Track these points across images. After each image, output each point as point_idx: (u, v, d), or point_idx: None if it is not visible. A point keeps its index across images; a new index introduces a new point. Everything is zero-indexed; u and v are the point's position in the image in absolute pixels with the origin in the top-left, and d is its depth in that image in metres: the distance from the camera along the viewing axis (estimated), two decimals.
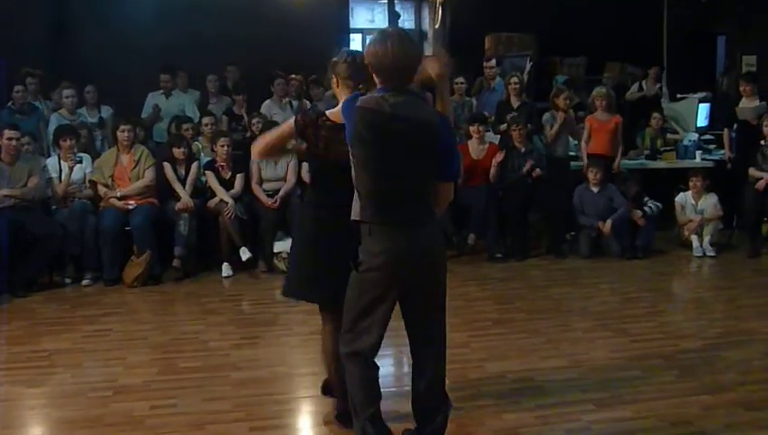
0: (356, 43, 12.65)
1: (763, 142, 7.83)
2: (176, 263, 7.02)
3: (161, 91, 8.78)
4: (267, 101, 8.62)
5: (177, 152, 7.28)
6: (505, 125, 8.06)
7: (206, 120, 7.96)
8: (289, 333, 5.58)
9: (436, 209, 3.31)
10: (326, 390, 4.20)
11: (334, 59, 3.70)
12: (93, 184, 7.18)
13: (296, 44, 9.59)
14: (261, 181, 7.44)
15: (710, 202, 7.80)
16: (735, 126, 8.45)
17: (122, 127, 7.14)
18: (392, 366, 4.83)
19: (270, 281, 7.03)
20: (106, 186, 7.10)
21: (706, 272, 7.45)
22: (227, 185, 7.32)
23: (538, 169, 7.69)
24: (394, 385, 4.45)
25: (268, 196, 7.34)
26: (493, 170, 7.67)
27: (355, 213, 3.24)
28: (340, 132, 3.28)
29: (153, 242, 6.90)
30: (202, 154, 7.73)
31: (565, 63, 11.58)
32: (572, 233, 7.85)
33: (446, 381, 3.48)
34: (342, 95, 3.60)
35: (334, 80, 3.68)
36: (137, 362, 4.98)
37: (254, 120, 7.99)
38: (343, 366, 3.48)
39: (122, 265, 6.84)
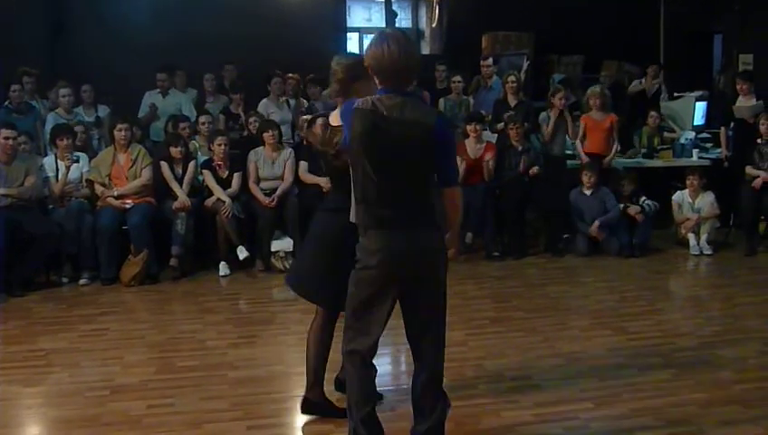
0: (353, 41, 12.67)
1: (759, 141, 7.84)
2: (173, 262, 7.01)
3: (158, 90, 8.77)
4: (264, 100, 8.61)
5: (175, 151, 7.27)
6: (502, 124, 8.07)
7: (202, 118, 7.95)
8: (286, 332, 5.58)
9: (453, 216, 3.33)
10: (339, 385, 4.19)
11: (334, 62, 3.72)
12: (90, 183, 7.17)
13: (293, 43, 9.60)
14: (258, 180, 7.44)
15: (707, 200, 7.80)
16: (732, 124, 8.46)
17: (119, 126, 7.13)
18: (390, 365, 4.83)
19: (267, 280, 7.03)
20: (103, 185, 7.10)
21: (703, 270, 7.46)
22: (224, 184, 7.31)
23: (535, 168, 7.70)
24: (391, 384, 4.46)
25: (265, 195, 7.33)
26: (487, 166, 7.68)
27: (352, 216, 3.26)
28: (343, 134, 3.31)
29: (150, 241, 6.90)
30: (199, 153, 7.72)
31: (562, 62, 11.59)
32: (567, 236, 7.83)
33: (444, 380, 3.48)
34: (340, 98, 3.64)
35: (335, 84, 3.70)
36: (134, 362, 4.98)
37: (251, 119, 8.00)
38: (320, 352, 3.85)
39: (119, 265, 6.84)
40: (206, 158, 7.54)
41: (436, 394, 3.41)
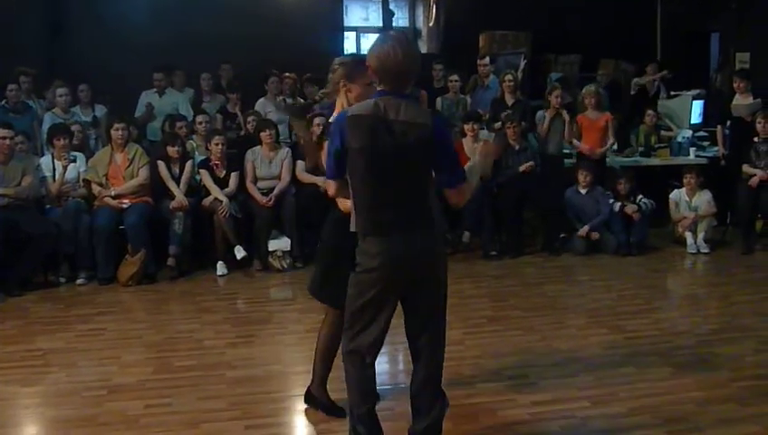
0: (350, 41, 12.65)
1: (756, 139, 7.85)
2: (170, 262, 7.01)
3: (155, 89, 8.77)
4: (261, 100, 8.61)
5: (172, 151, 7.27)
6: (500, 123, 8.07)
7: (199, 118, 7.95)
8: (284, 332, 5.58)
9: (457, 202, 3.33)
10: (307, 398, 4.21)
11: (336, 61, 3.72)
12: (87, 183, 7.17)
13: (290, 43, 9.60)
14: (255, 180, 7.44)
15: (704, 199, 7.81)
16: (729, 123, 8.47)
17: (116, 125, 7.12)
18: (388, 364, 4.84)
19: (265, 279, 7.03)
20: (100, 185, 7.09)
21: (700, 269, 7.47)
22: (222, 183, 7.31)
23: (532, 163, 7.72)
24: (389, 383, 4.46)
25: (262, 194, 7.34)
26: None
27: (352, 224, 3.27)
28: None
29: (147, 241, 6.89)
30: (196, 153, 7.72)
31: (559, 61, 11.59)
32: (564, 235, 7.84)
33: (442, 379, 3.48)
34: (339, 100, 3.65)
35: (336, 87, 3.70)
36: (131, 361, 4.98)
37: (250, 118, 8.00)
38: (327, 349, 3.91)
39: (117, 264, 6.83)
40: (203, 157, 7.54)
41: (434, 393, 3.42)
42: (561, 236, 7.84)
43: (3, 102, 7.76)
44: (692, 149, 9.11)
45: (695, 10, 11.34)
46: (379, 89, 3.21)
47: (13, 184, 6.72)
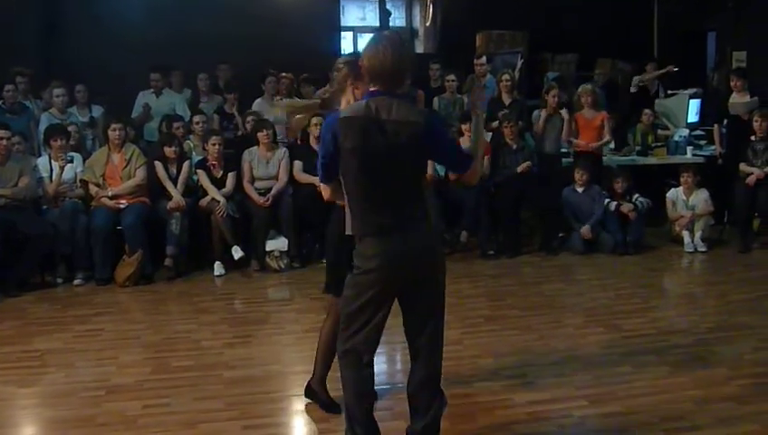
0: (347, 41, 12.66)
1: (753, 138, 7.86)
2: (168, 262, 7.01)
3: (152, 90, 8.76)
4: (258, 100, 8.61)
5: (169, 151, 7.26)
6: (497, 122, 8.07)
7: (197, 118, 7.94)
8: (281, 332, 5.58)
9: (472, 181, 3.35)
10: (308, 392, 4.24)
11: (340, 60, 3.73)
12: (84, 183, 7.16)
13: (288, 42, 9.59)
14: (252, 180, 7.44)
15: (701, 198, 7.82)
16: (726, 121, 8.48)
17: (113, 126, 7.11)
18: (386, 364, 4.85)
19: (262, 280, 7.03)
20: (97, 185, 7.08)
21: (698, 267, 7.48)
22: (219, 184, 7.31)
23: (529, 163, 7.72)
24: (387, 382, 4.46)
25: (260, 194, 7.33)
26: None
27: (348, 228, 3.28)
28: None
29: (145, 241, 6.89)
30: (193, 153, 7.71)
31: (556, 60, 11.60)
32: (562, 235, 7.85)
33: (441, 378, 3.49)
34: (345, 98, 3.65)
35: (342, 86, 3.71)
36: (129, 362, 4.97)
37: (249, 118, 7.99)
38: (327, 340, 3.95)
39: (114, 265, 6.83)
40: (200, 157, 7.53)
41: (433, 392, 3.42)
42: (560, 235, 7.84)
43: None
44: (689, 148, 9.12)
45: (692, 9, 11.35)
46: (371, 89, 3.21)
47: (10, 185, 6.72)
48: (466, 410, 4.09)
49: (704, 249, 7.66)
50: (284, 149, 7.64)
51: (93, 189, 7.09)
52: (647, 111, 9.41)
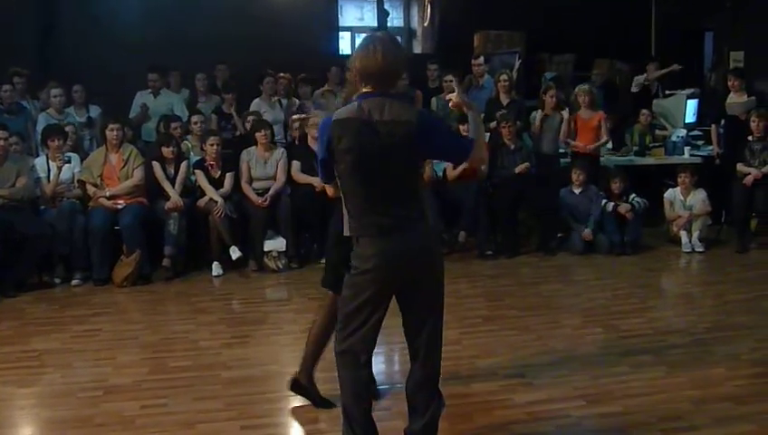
0: (345, 41, 12.66)
1: (750, 138, 7.87)
2: (165, 262, 7.00)
3: (149, 90, 8.75)
4: (256, 100, 8.61)
5: (167, 151, 7.26)
6: (495, 123, 8.08)
7: (195, 118, 7.94)
8: (279, 332, 5.58)
9: (482, 162, 3.34)
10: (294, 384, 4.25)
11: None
12: (82, 184, 7.15)
13: (286, 43, 9.60)
14: (251, 180, 7.44)
15: (698, 198, 7.83)
16: (723, 122, 8.49)
17: (111, 126, 7.11)
18: (384, 364, 4.85)
19: (260, 280, 7.03)
20: (95, 185, 7.08)
21: (695, 267, 7.48)
22: (217, 184, 7.31)
23: (524, 165, 7.72)
24: (386, 382, 4.46)
25: (258, 195, 7.33)
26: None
27: (345, 229, 3.27)
28: None
29: (143, 241, 6.88)
30: (191, 153, 7.71)
31: (554, 61, 11.61)
32: (560, 235, 7.85)
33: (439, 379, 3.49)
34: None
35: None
36: (127, 362, 4.97)
37: (250, 118, 7.99)
38: (318, 333, 4.02)
39: (112, 265, 6.82)
40: (198, 158, 7.53)
41: (431, 393, 3.42)
42: (558, 236, 7.85)
43: None
44: (686, 149, 9.13)
45: (689, 9, 11.36)
46: (364, 90, 3.21)
47: (7, 185, 6.71)
48: (465, 410, 4.09)
49: (701, 249, 7.67)
50: (282, 149, 7.64)
51: (91, 190, 7.08)
52: (644, 111, 9.42)
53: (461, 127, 7.73)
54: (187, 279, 7.04)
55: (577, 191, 7.76)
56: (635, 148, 9.22)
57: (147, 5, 9.92)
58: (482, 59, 9.35)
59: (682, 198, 7.89)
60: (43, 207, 7.06)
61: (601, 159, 8.42)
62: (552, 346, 5.12)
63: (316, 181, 7.16)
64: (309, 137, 7.46)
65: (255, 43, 9.69)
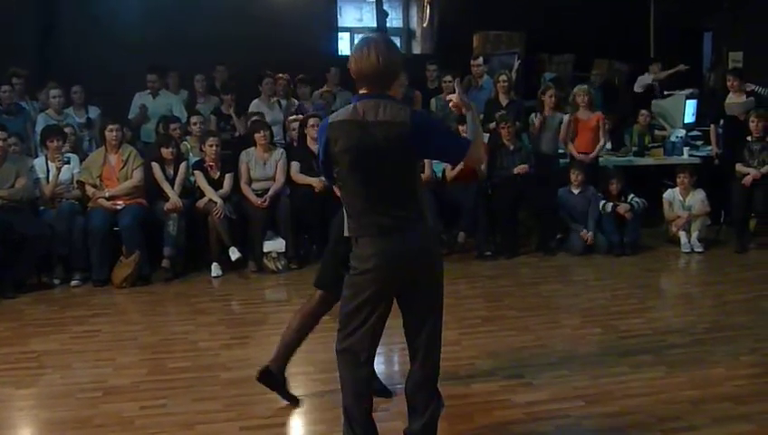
0: (344, 41, 12.66)
1: (749, 138, 7.87)
2: (165, 263, 7.00)
3: (148, 91, 8.75)
4: (255, 101, 8.61)
5: (166, 152, 7.26)
6: (494, 123, 8.08)
7: (194, 119, 7.94)
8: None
9: (479, 161, 3.35)
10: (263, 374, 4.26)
11: None
12: (81, 184, 7.15)
13: (285, 43, 9.61)
14: (250, 181, 7.43)
15: (698, 198, 7.83)
16: (722, 122, 8.49)
17: (110, 127, 7.11)
18: (383, 364, 4.84)
19: (260, 281, 7.03)
20: (94, 186, 7.08)
21: (694, 268, 7.48)
22: (216, 185, 7.30)
23: (524, 166, 7.73)
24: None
25: (257, 195, 7.33)
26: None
27: (345, 230, 3.28)
28: None
29: (142, 242, 6.88)
30: (190, 154, 7.71)
31: (553, 61, 11.61)
32: (559, 236, 7.85)
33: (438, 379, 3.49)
34: None
35: None
36: (126, 363, 4.97)
37: (253, 118, 7.98)
38: (298, 326, 4.15)
39: (111, 266, 6.82)
40: (197, 159, 7.53)
41: (430, 393, 3.42)
42: (558, 236, 7.85)
43: None
44: (685, 149, 9.13)
45: (688, 9, 11.37)
46: (360, 92, 3.21)
47: (6, 186, 6.71)
48: (464, 411, 4.09)
49: (700, 250, 7.67)
50: (281, 150, 7.64)
51: (90, 190, 7.08)
52: (643, 111, 9.43)
53: (460, 127, 7.74)
54: (187, 280, 7.03)
55: (575, 192, 7.77)
56: (634, 148, 9.23)
57: (147, 6, 9.92)
58: (481, 59, 9.36)
59: (681, 198, 7.90)
60: (42, 207, 7.06)
61: (600, 159, 8.42)
62: (551, 347, 5.12)
63: (315, 182, 7.18)
64: (308, 138, 7.46)
65: (255, 43, 9.70)
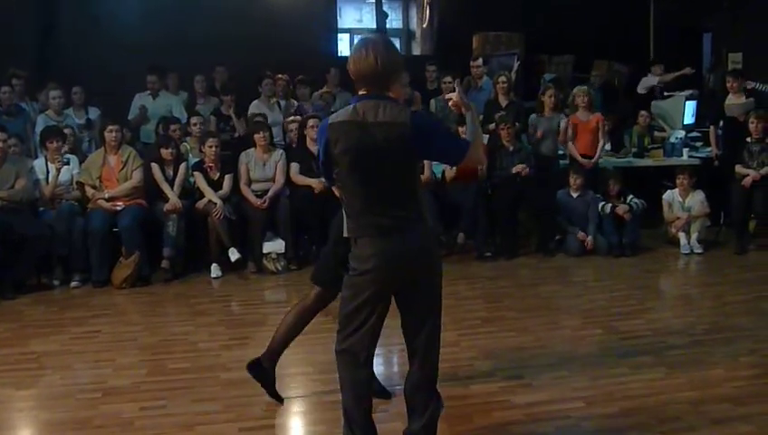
0: (344, 42, 12.66)
1: (749, 139, 7.87)
2: (164, 264, 7.00)
3: (148, 92, 8.75)
4: (255, 102, 8.61)
5: (166, 153, 7.26)
6: (494, 124, 8.08)
7: (194, 120, 7.94)
8: None
9: (479, 162, 3.35)
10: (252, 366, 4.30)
11: None
12: (81, 185, 7.15)
13: (284, 44, 9.61)
14: (249, 182, 7.43)
15: (697, 199, 7.83)
16: (722, 123, 8.49)
17: (110, 127, 7.11)
18: (382, 365, 4.84)
19: (259, 282, 7.03)
20: (94, 187, 7.08)
21: (694, 269, 7.48)
22: (216, 186, 7.30)
23: (526, 168, 7.73)
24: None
25: (257, 196, 7.33)
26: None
27: (345, 230, 3.28)
28: None
29: (141, 243, 6.88)
30: (190, 155, 7.71)
31: (553, 62, 11.61)
32: (559, 237, 7.85)
33: (438, 380, 3.49)
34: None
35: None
36: (126, 364, 4.96)
37: (256, 119, 7.98)
38: (294, 322, 4.17)
39: (111, 267, 6.82)
40: (197, 159, 7.53)
41: (429, 393, 3.42)
42: (557, 238, 7.85)
43: None
44: (685, 150, 9.13)
45: (688, 9, 11.36)
46: (360, 93, 3.22)
47: (6, 187, 6.71)
48: (464, 412, 4.09)
49: (700, 251, 7.67)
50: (281, 151, 7.64)
51: (90, 191, 7.08)
52: (643, 112, 9.43)
53: (460, 129, 7.73)
54: (186, 281, 7.03)
55: (574, 195, 7.76)
56: (634, 149, 9.23)
57: (146, 6, 9.92)
58: (480, 60, 9.36)
59: (681, 199, 7.90)
60: (41, 208, 7.06)
61: (600, 160, 8.42)
62: (550, 347, 5.12)
63: (315, 183, 7.18)
64: (308, 139, 7.46)
65: (255, 44, 9.70)
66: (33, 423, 4.22)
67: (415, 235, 3.21)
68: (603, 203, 7.70)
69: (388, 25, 12.14)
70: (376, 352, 3.44)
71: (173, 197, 7.10)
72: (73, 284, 6.82)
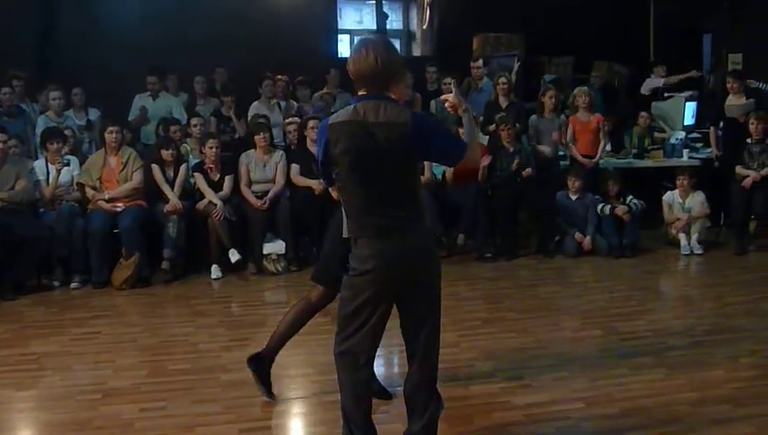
0: (344, 43, 12.65)
1: (749, 140, 7.87)
2: (164, 265, 7.00)
3: (148, 93, 8.76)
4: (255, 103, 8.62)
5: (166, 154, 7.26)
6: (494, 125, 8.08)
7: (194, 121, 7.94)
8: None
9: (475, 164, 3.39)
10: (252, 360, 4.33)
11: None
12: (81, 186, 7.15)
13: (285, 45, 9.61)
14: (250, 183, 7.43)
15: (697, 200, 7.83)
16: (722, 124, 8.49)
17: (110, 128, 7.11)
18: (382, 366, 4.84)
19: (259, 283, 7.03)
20: (94, 188, 7.08)
21: (694, 270, 7.48)
22: (216, 187, 7.30)
23: (528, 169, 7.73)
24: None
25: (257, 197, 7.33)
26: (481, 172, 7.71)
27: (345, 231, 3.28)
28: None
29: (142, 244, 6.88)
30: (190, 156, 7.72)
31: (553, 63, 11.61)
32: (558, 238, 7.85)
33: (438, 380, 3.49)
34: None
35: None
36: (126, 365, 4.96)
37: (257, 120, 7.98)
38: (293, 320, 4.20)
39: (111, 268, 6.82)
40: (197, 160, 7.54)
41: (429, 394, 3.42)
42: (556, 239, 7.85)
43: None
44: (685, 151, 9.13)
45: (688, 10, 11.36)
46: (360, 93, 3.22)
47: (6, 188, 6.72)
48: (463, 413, 4.09)
49: (700, 252, 7.67)
50: (281, 152, 7.64)
51: (90, 192, 7.09)
52: (643, 113, 9.43)
53: (460, 130, 7.73)
54: (186, 282, 7.04)
55: (573, 198, 7.76)
56: (634, 150, 9.23)
57: (146, 7, 9.92)
58: (481, 61, 9.36)
59: (681, 200, 7.90)
60: (42, 209, 7.06)
61: (600, 161, 8.42)
62: (550, 348, 5.12)
63: (315, 184, 7.18)
64: (308, 140, 7.46)
65: (255, 44, 9.70)
66: (33, 424, 4.22)
67: (415, 235, 3.21)
68: (602, 204, 7.70)
69: (388, 26, 12.13)
70: (377, 353, 3.44)
71: (173, 198, 7.10)
72: (73, 285, 6.82)
